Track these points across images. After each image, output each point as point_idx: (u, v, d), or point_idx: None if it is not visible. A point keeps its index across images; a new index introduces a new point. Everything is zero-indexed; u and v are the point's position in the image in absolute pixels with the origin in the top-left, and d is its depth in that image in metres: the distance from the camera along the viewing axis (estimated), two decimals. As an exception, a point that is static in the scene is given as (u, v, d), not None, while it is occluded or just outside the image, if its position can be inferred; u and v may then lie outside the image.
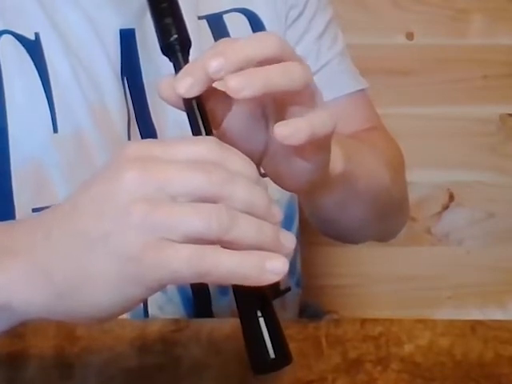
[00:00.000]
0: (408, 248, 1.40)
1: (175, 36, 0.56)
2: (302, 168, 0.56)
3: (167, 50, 0.56)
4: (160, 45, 0.57)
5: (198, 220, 0.45)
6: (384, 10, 1.30)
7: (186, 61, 0.55)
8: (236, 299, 0.50)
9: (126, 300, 0.48)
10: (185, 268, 0.45)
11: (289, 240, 0.49)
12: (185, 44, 0.56)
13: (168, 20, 0.56)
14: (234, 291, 0.50)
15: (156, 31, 0.57)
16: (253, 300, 0.49)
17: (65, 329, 0.65)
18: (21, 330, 0.65)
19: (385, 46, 1.31)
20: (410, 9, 1.31)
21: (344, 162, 0.62)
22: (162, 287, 0.47)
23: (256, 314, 0.49)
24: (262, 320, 0.49)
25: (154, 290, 0.47)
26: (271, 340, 0.48)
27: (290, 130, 0.50)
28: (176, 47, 0.56)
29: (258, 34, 0.53)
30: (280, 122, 0.51)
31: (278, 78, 0.50)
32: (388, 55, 1.32)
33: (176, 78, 0.52)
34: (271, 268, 0.46)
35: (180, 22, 0.57)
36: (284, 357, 0.49)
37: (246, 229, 0.46)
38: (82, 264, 0.47)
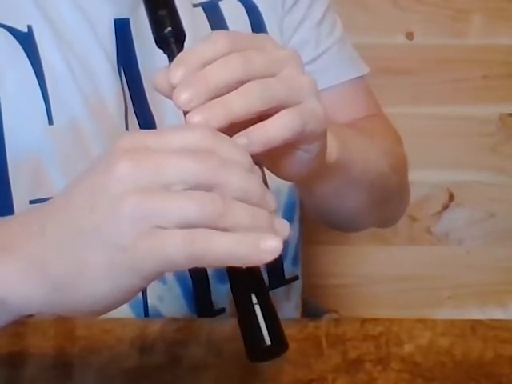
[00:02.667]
0: (408, 248, 1.40)
1: (169, 28, 0.56)
2: (298, 158, 0.56)
3: (161, 42, 0.56)
4: (154, 37, 0.57)
5: (191, 207, 0.45)
6: (384, 10, 1.30)
7: None
8: (231, 286, 0.50)
9: (122, 291, 0.48)
10: (179, 252, 0.45)
11: (283, 227, 0.48)
12: (179, 36, 0.56)
13: (162, 12, 0.56)
14: (229, 278, 0.50)
15: (150, 24, 0.57)
16: (248, 287, 0.49)
17: (65, 328, 0.65)
18: (21, 330, 0.65)
19: (385, 46, 1.31)
20: (410, 9, 1.31)
21: (338, 151, 0.62)
22: (158, 276, 0.47)
23: (251, 300, 0.49)
24: (257, 307, 0.49)
25: (150, 280, 0.47)
26: (267, 327, 0.48)
27: (245, 142, 0.50)
28: (170, 39, 0.56)
29: (207, 35, 0.53)
30: (238, 134, 0.51)
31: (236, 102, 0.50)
32: (388, 55, 1.32)
33: (169, 68, 0.52)
34: (266, 247, 0.45)
35: (174, 14, 0.57)
36: (280, 343, 0.49)
37: (240, 216, 0.46)
38: (77, 256, 0.47)
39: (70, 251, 0.48)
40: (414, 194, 1.33)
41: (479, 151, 1.35)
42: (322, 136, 0.56)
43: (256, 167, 0.50)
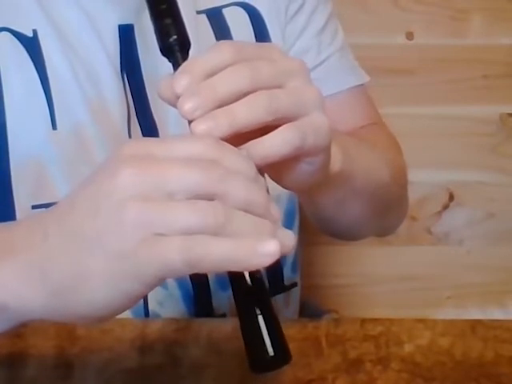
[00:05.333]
0: (408, 248, 1.40)
1: (174, 37, 0.56)
2: (301, 170, 0.56)
3: (166, 51, 0.56)
4: (159, 46, 0.57)
5: (193, 216, 0.45)
6: (384, 10, 1.31)
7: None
8: (235, 297, 0.50)
9: (123, 297, 0.48)
10: (177, 258, 0.45)
11: (288, 238, 0.48)
12: (184, 45, 0.56)
13: (167, 21, 0.56)
14: (232, 289, 0.50)
15: (155, 32, 0.57)
16: (252, 298, 0.49)
17: (65, 329, 0.65)
18: (21, 330, 0.65)
19: (385, 46, 1.31)
20: (410, 9, 1.31)
21: (342, 161, 0.62)
22: (159, 282, 0.47)
23: (255, 311, 0.49)
24: (260, 318, 0.49)
25: (151, 286, 0.47)
26: (270, 338, 0.48)
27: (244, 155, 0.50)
28: (175, 48, 0.56)
29: (213, 45, 0.53)
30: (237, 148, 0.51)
31: (241, 113, 0.50)
32: (388, 55, 1.32)
33: (174, 76, 0.52)
34: (263, 251, 0.45)
35: (179, 23, 0.57)
36: (283, 355, 0.49)
37: (243, 226, 0.46)
38: (78, 262, 0.47)
39: (71, 257, 0.48)
40: (414, 194, 1.33)
41: (479, 151, 1.35)
42: (325, 149, 0.56)
43: (260, 178, 0.50)
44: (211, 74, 0.51)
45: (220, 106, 0.50)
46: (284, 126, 0.51)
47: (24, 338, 0.64)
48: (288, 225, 0.83)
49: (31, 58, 0.71)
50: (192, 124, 0.50)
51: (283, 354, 0.49)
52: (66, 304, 0.49)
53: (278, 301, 0.82)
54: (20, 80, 0.71)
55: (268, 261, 0.45)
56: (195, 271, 0.46)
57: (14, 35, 0.71)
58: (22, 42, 0.71)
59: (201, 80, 0.50)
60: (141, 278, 0.46)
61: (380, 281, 1.41)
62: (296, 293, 0.86)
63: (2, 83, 0.70)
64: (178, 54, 0.55)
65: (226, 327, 0.65)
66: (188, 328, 0.66)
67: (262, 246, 0.45)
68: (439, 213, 1.39)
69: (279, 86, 0.52)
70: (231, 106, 0.50)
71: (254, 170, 0.49)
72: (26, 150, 0.71)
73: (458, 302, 1.42)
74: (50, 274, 0.48)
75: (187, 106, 0.50)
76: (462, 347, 0.64)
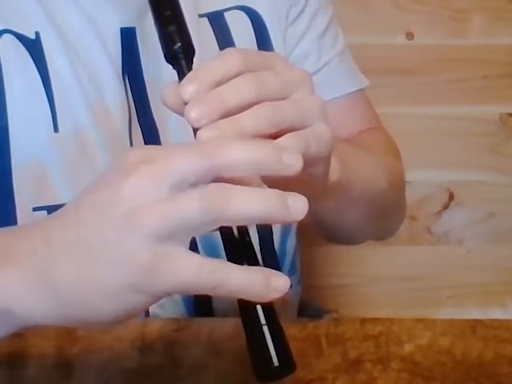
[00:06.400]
0: (408, 247, 1.40)
1: (179, 44, 0.56)
2: (302, 180, 0.56)
3: (171, 58, 0.56)
4: (163, 53, 0.57)
5: (190, 210, 0.45)
6: (384, 10, 1.31)
7: (190, 68, 0.55)
8: (239, 306, 0.50)
9: (128, 308, 0.48)
10: (194, 281, 0.45)
11: (299, 202, 0.48)
12: (188, 52, 0.56)
13: (172, 28, 0.56)
14: (238, 299, 0.50)
15: (159, 39, 0.57)
16: (256, 308, 0.49)
17: (65, 329, 0.65)
18: (21, 330, 0.65)
19: (385, 46, 1.31)
20: (410, 9, 1.31)
21: (340, 170, 0.62)
22: (168, 296, 0.47)
23: (260, 321, 0.49)
24: (265, 328, 0.49)
25: (159, 298, 0.47)
26: (275, 347, 0.48)
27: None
28: (180, 55, 0.56)
29: (220, 53, 0.53)
30: None
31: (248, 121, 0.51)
32: (388, 55, 1.32)
33: (181, 84, 0.52)
34: (275, 285, 0.46)
35: (184, 30, 0.57)
36: (288, 365, 0.49)
37: (247, 200, 0.46)
38: (83, 271, 0.47)
39: (75, 266, 0.47)
40: (414, 194, 1.33)
41: (479, 151, 1.36)
42: (326, 159, 0.56)
43: (264, 186, 0.50)
44: (218, 83, 0.51)
45: (226, 116, 0.50)
46: (287, 134, 0.52)
47: (24, 338, 0.64)
48: (286, 227, 0.82)
49: (33, 60, 0.71)
50: (198, 132, 0.50)
51: (288, 363, 0.49)
52: (69, 311, 0.48)
53: (276, 303, 0.82)
54: (22, 82, 0.71)
55: (278, 295, 0.47)
56: (208, 294, 0.46)
57: (16, 37, 0.71)
58: (24, 44, 0.71)
59: (208, 88, 0.51)
60: (151, 292, 0.46)
61: (380, 281, 1.41)
62: (295, 294, 0.86)
63: (5, 85, 0.70)
64: (183, 62, 0.56)
65: (226, 327, 0.65)
66: (188, 328, 0.66)
67: (275, 281, 0.46)
68: (439, 213, 1.39)
69: (284, 97, 0.52)
70: (237, 116, 0.50)
71: (258, 178, 0.49)
72: (27, 152, 0.71)
73: (458, 302, 1.42)
74: (53, 281, 0.48)
75: (194, 113, 0.50)
76: (462, 347, 0.64)
